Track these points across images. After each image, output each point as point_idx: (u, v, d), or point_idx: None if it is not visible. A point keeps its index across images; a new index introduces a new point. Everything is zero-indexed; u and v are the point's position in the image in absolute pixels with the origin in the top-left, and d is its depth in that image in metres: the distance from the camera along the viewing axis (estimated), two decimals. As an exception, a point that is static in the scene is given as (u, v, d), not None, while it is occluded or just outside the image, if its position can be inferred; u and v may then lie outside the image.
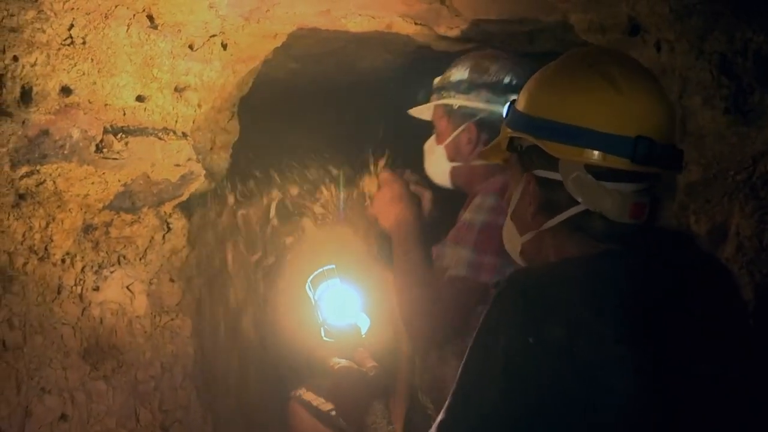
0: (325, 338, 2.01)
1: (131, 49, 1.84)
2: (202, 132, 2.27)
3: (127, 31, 1.81)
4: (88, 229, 2.06)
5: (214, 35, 1.98)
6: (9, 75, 1.69)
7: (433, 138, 2.04)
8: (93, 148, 1.87)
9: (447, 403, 1.12)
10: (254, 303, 2.74)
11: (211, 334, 2.51)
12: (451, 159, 1.98)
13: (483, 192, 1.87)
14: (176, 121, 2.06)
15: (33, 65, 1.71)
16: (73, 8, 1.69)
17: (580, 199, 1.17)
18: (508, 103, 1.31)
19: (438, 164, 2.02)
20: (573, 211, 1.19)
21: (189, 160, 2.09)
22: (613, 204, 1.16)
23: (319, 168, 2.41)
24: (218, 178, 2.50)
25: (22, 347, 1.94)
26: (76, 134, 1.82)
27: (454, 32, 2.13)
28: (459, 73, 1.95)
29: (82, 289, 2.08)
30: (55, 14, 1.68)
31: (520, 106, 1.25)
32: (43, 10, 1.65)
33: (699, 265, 1.27)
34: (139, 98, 1.95)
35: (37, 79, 1.72)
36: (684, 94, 1.77)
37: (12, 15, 1.63)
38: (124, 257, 2.17)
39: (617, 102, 1.15)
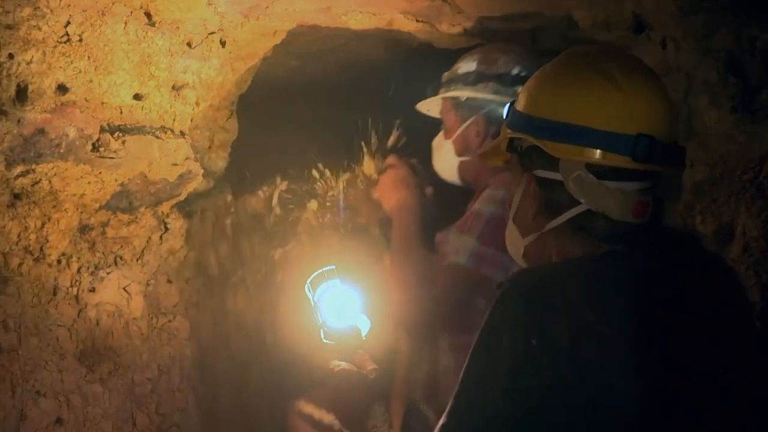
0: (324, 340, 1.99)
1: (128, 46, 1.84)
2: (201, 131, 2.28)
3: (124, 28, 1.81)
4: (84, 229, 2.05)
5: (212, 32, 1.97)
6: (4, 73, 1.68)
7: (440, 134, 2.04)
8: (89, 147, 1.86)
9: (449, 405, 1.11)
10: (254, 304, 2.73)
11: (209, 336, 2.50)
12: (460, 153, 1.98)
13: (494, 185, 1.87)
14: (174, 120, 2.06)
15: (29, 63, 1.70)
16: (69, 5, 1.68)
17: (581, 199, 1.16)
18: (508, 104, 1.31)
19: (446, 159, 2.01)
20: (575, 211, 1.17)
21: (187, 159, 2.09)
22: (615, 203, 1.15)
23: (318, 165, 2.40)
24: (217, 178, 2.50)
25: (17, 349, 1.93)
26: (72, 133, 1.82)
27: (457, 29, 2.14)
28: (467, 65, 1.95)
29: (78, 291, 2.07)
30: (52, 11, 1.67)
31: (519, 106, 1.24)
32: (39, 7, 1.65)
33: (703, 265, 1.27)
34: (137, 96, 1.94)
35: (32, 77, 1.72)
36: (690, 92, 1.77)
37: (8, 12, 1.62)
38: (121, 258, 2.17)
39: (617, 100, 1.15)
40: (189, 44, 1.96)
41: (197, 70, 2.02)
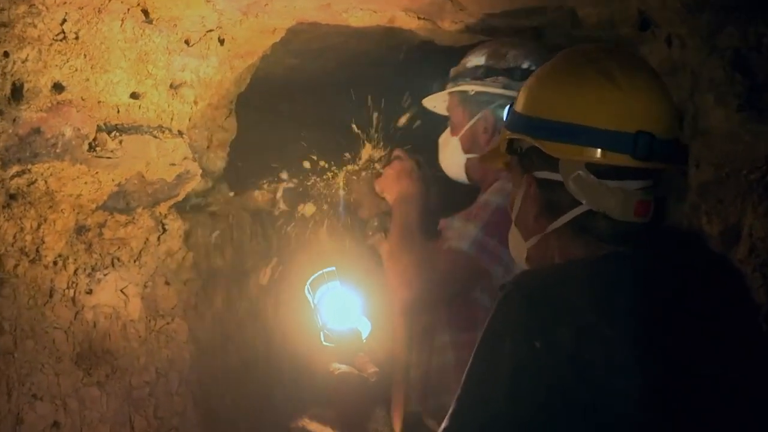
0: (324, 343, 1.98)
1: (125, 44, 1.84)
2: (199, 130, 2.28)
3: (121, 25, 1.80)
4: (80, 230, 2.05)
5: (210, 30, 1.97)
6: (-1, 71, 1.68)
7: (447, 131, 2.03)
8: (86, 146, 1.86)
9: (451, 409, 1.11)
10: (253, 305, 2.72)
11: (208, 339, 2.49)
12: (467, 150, 1.96)
13: (504, 178, 1.85)
14: (172, 119, 2.06)
15: (24, 61, 1.69)
16: (65, 2, 1.68)
17: (582, 200, 1.16)
18: (508, 105, 1.31)
19: (453, 156, 2.00)
20: (576, 211, 1.17)
21: (185, 158, 2.09)
22: (616, 203, 1.15)
23: (319, 162, 2.39)
24: (215, 177, 2.50)
25: (13, 352, 1.93)
26: (68, 132, 1.81)
27: (459, 27, 2.13)
28: (476, 59, 1.94)
29: (74, 293, 2.07)
30: (47, 9, 1.66)
31: (518, 106, 1.25)
32: (34, 5, 1.64)
33: (706, 265, 1.27)
34: (134, 95, 1.94)
35: (28, 75, 1.71)
36: (696, 91, 1.78)
37: (2, 9, 1.61)
38: (118, 259, 2.16)
39: (616, 98, 1.14)
40: (187, 42, 1.96)
41: (195, 69, 2.02)
